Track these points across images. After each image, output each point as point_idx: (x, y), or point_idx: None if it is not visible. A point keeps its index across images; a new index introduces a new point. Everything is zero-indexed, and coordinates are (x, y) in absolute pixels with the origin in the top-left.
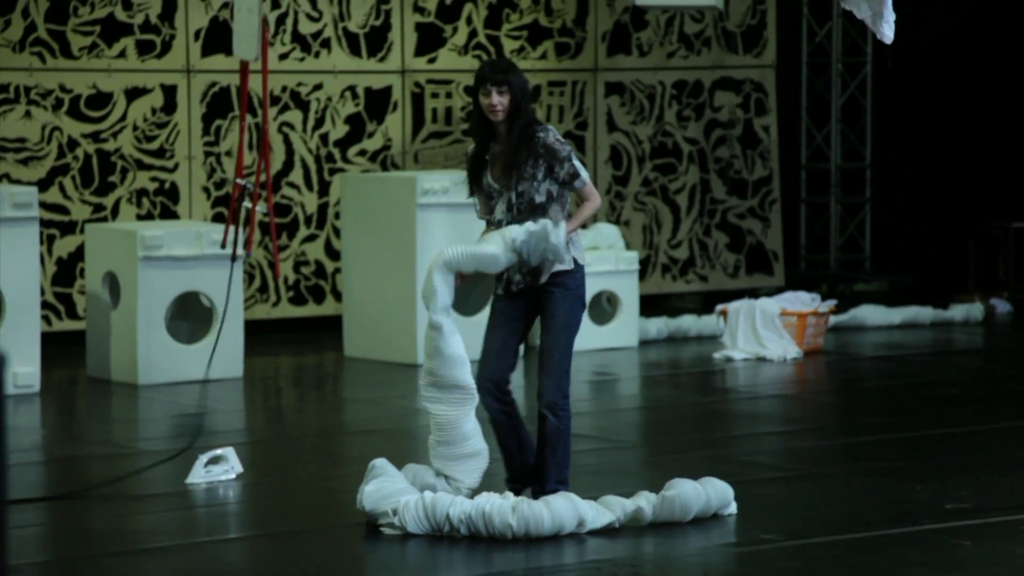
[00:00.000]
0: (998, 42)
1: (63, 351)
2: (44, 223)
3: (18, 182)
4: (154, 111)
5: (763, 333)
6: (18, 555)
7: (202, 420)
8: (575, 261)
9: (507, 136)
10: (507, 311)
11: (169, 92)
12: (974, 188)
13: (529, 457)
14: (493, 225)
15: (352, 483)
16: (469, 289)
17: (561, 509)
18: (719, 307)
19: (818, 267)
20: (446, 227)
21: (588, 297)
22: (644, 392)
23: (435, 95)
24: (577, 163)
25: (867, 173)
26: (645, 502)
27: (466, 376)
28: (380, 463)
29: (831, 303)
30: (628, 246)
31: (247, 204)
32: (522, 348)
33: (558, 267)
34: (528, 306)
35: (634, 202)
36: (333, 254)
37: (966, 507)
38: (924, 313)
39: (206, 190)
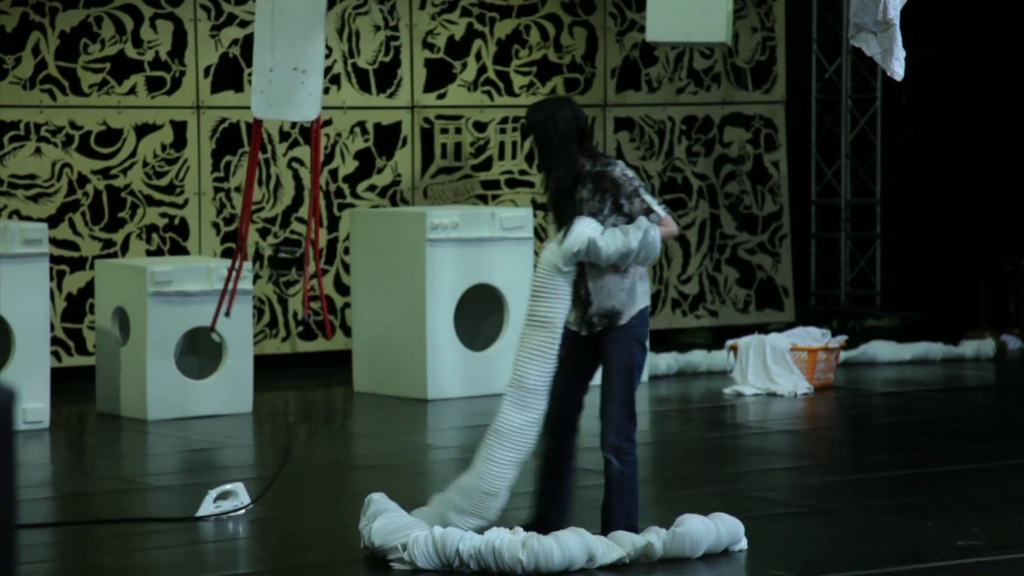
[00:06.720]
0: (1008, 78)
1: (73, 387)
2: (54, 259)
3: (28, 218)
4: (164, 147)
5: (773, 368)
6: None
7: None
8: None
9: None
10: (574, 347)
11: (179, 128)
12: (985, 224)
13: (550, 498)
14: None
15: (360, 519)
16: (479, 323)
17: (571, 544)
18: (729, 342)
19: (828, 302)
20: (455, 262)
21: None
22: (654, 427)
23: (444, 131)
24: None
25: (877, 209)
26: (655, 537)
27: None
28: (378, 497)
29: (842, 339)
30: None
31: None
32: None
33: (617, 308)
34: (592, 347)
35: None
36: (343, 289)
37: (977, 544)
38: (935, 349)
39: (215, 226)
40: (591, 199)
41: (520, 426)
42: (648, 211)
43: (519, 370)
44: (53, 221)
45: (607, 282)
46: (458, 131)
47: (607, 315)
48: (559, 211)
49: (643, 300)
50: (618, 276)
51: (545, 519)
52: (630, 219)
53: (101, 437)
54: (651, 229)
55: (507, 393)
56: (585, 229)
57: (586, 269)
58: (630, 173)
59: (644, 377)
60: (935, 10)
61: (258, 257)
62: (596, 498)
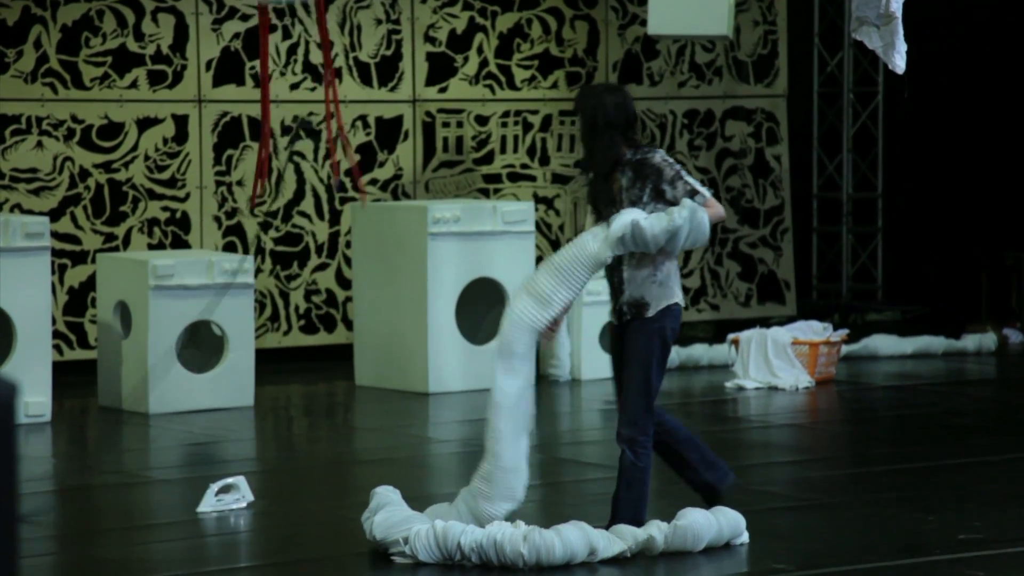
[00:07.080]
0: (1010, 71)
1: (74, 380)
2: (56, 253)
3: (30, 212)
4: (165, 141)
5: (775, 362)
6: None
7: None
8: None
9: None
10: (616, 340)
11: (180, 122)
12: (987, 217)
13: (691, 474)
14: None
15: (363, 512)
16: (480, 317)
17: (573, 538)
18: (731, 336)
19: (830, 296)
20: (457, 256)
21: (599, 327)
22: None
23: (446, 124)
24: None
25: (879, 202)
26: (657, 531)
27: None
28: (383, 490)
29: (843, 332)
30: None
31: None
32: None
33: (645, 299)
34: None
35: None
36: (344, 283)
37: (978, 538)
38: (936, 343)
39: (217, 219)
40: (631, 187)
41: (515, 394)
42: (693, 193)
43: (506, 338)
44: (55, 215)
45: (641, 273)
46: (460, 125)
47: (635, 305)
48: (595, 196)
49: (674, 296)
50: (652, 268)
51: (707, 484)
52: (672, 205)
53: (102, 431)
54: (698, 210)
55: (497, 363)
56: (628, 216)
57: (624, 258)
58: (671, 159)
59: None
60: (937, 4)
61: (259, 252)
62: (597, 492)
